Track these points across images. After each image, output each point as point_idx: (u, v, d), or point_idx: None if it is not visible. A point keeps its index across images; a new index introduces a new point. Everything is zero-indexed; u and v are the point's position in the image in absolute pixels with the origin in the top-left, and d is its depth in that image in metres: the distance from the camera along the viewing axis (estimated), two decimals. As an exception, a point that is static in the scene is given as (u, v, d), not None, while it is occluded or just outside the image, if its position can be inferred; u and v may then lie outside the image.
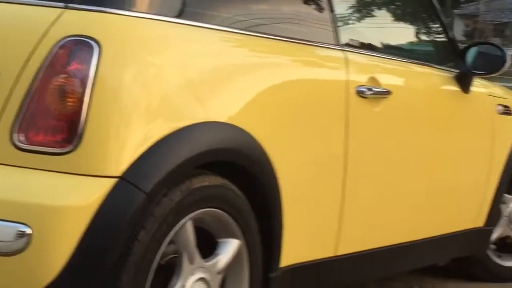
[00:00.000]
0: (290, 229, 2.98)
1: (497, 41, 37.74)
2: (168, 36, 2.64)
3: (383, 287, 4.29)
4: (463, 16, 44.66)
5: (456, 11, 44.43)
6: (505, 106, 4.46)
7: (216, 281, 2.71)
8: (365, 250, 3.51)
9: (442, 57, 4.17)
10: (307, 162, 3.08)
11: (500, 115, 4.39)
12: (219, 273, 2.71)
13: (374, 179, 3.48)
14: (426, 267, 4.36)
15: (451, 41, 4.16)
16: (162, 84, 2.53)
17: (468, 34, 39.81)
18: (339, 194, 3.26)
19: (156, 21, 2.60)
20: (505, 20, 41.71)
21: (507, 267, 4.64)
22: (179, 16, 2.72)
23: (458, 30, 42.59)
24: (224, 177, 2.72)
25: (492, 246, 4.62)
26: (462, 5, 44.49)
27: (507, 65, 4.07)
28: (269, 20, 3.16)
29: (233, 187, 2.74)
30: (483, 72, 4.15)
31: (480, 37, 37.00)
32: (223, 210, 2.70)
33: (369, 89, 3.36)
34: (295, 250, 3.07)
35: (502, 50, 4.11)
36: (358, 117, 3.31)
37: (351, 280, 3.63)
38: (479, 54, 4.16)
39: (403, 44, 4.00)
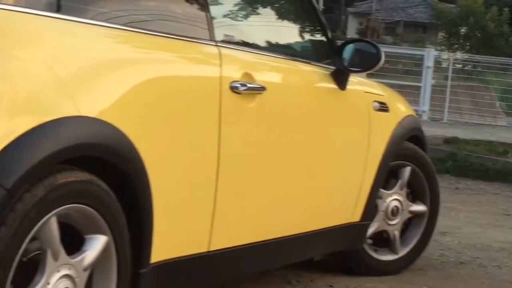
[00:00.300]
0: (160, 225, 2.98)
1: (388, 39, 38.49)
2: (40, 30, 2.61)
3: (260, 282, 4.32)
4: (356, 14, 45.44)
5: (350, 9, 45.17)
6: (382, 103, 4.53)
7: (82, 278, 2.68)
8: (240, 245, 3.53)
9: (319, 54, 4.21)
10: (179, 158, 3.08)
11: (376, 112, 4.46)
12: (85, 269, 2.68)
13: (248, 174, 3.50)
14: (303, 262, 4.40)
15: (328, 39, 4.21)
16: (28, 78, 2.49)
17: (362, 32, 40.49)
18: (212, 190, 3.26)
19: (27, 14, 2.58)
20: (397, 18, 42.58)
21: (383, 261, 4.72)
22: (55, 10, 2.70)
23: (352, 28, 43.28)
24: (92, 172, 2.69)
25: (369, 241, 4.70)
26: (356, 3, 45.25)
27: (382, 62, 4.15)
28: (142, 16, 3.14)
29: (101, 182, 2.72)
30: (359, 69, 4.21)
31: (372, 35, 37.69)
32: (89, 206, 2.67)
33: (243, 85, 3.37)
34: (166, 246, 3.06)
35: (377, 48, 4.19)
36: (231, 112, 3.32)
37: (225, 275, 3.64)
38: (355, 52, 4.22)
39: (279, 41, 4.02)
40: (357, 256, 4.57)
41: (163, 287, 3.12)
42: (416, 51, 19.20)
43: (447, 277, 4.81)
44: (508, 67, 18.74)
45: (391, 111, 4.61)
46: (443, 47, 32.93)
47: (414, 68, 18.46)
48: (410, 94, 18.22)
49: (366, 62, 4.19)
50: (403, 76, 18.64)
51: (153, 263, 3.00)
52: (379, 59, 4.15)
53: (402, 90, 18.10)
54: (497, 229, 6.43)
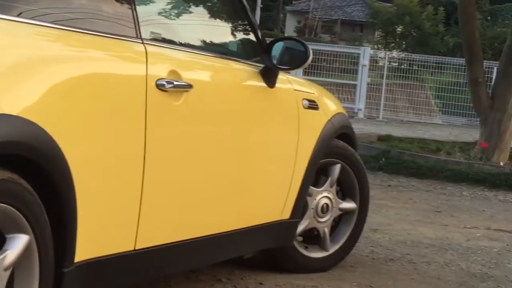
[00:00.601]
0: (85, 224, 2.96)
1: (326, 37, 38.73)
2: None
3: (190, 280, 4.31)
4: (294, 13, 45.63)
5: (288, 7, 45.34)
6: (311, 101, 4.56)
7: (3, 277, 2.65)
8: (168, 244, 3.51)
9: (248, 52, 4.22)
10: (104, 156, 3.06)
11: (305, 110, 4.47)
12: (6, 269, 2.65)
13: (175, 172, 3.49)
14: (233, 260, 4.41)
15: (257, 36, 4.21)
16: None
17: (300, 31, 40.69)
18: (137, 189, 3.24)
19: None
20: (335, 17, 42.85)
21: (313, 258, 4.75)
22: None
23: (290, 27, 43.45)
24: (13, 171, 2.66)
25: (299, 238, 4.73)
26: (294, 2, 45.47)
27: (310, 60, 4.18)
28: (68, 14, 3.10)
29: (22, 181, 2.69)
30: (288, 67, 4.23)
31: (310, 33, 37.90)
32: (10, 205, 2.65)
33: (169, 83, 3.36)
34: (91, 245, 3.04)
35: (305, 46, 4.21)
36: (157, 110, 3.31)
37: (154, 274, 3.62)
38: (284, 50, 4.23)
39: (207, 39, 4.01)
40: (287, 253, 4.59)
41: (88, 287, 3.10)
42: (352, 50, 19.37)
43: (376, 274, 4.86)
44: (443, 65, 19.00)
45: (321, 109, 4.64)
46: (379, 45, 33.26)
47: (351, 66, 18.62)
48: (347, 92, 18.40)
49: (295, 60, 4.21)
50: (340, 74, 18.79)
51: (77, 262, 2.97)
52: (307, 57, 4.17)
53: (339, 88, 18.30)
54: (427, 226, 6.52)
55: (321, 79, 17.63)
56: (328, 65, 18.98)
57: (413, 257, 5.36)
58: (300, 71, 17.01)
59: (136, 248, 3.31)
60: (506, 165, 9.78)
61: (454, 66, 18.54)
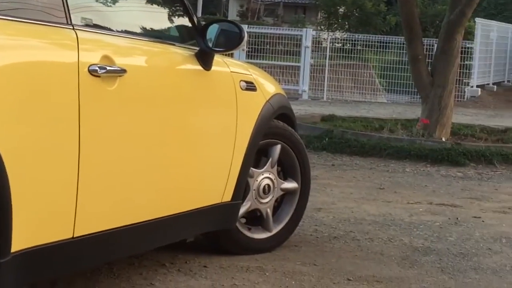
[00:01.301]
0: (20, 213, 2.93)
1: (269, 20, 38.69)
2: None
3: (133, 266, 4.30)
4: (237, -3, 45.39)
5: (230, -9, 45.16)
6: (249, 82, 4.56)
7: None
8: (107, 230, 3.49)
9: (183, 35, 4.20)
10: (38, 144, 3.03)
11: (243, 91, 4.48)
12: None
13: (112, 158, 3.47)
14: (177, 244, 4.41)
15: (192, 19, 4.19)
16: None
17: (243, 14, 40.60)
18: (73, 176, 3.22)
19: None
20: (277, 0, 42.80)
21: (257, 239, 4.76)
22: None
23: (233, 10, 43.36)
24: None
25: (242, 220, 4.74)
26: (236, -14, 45.27)
27: (244, 42, 4.18)
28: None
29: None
30: (223, 49, 4.23)
31: (253, 17, 37.84)
32: None
33: (102, 68, 3.33)
34: (27, 234, 3.01)
35: (239, 27, 4.21)
36: (91, 96, 3.28)
37: (94, 261, 3.61)
38: (220, 32, 4.22)
39: (141, 23, 3.97)
40: (231, 235, 4.60)
41: (26, 276, 3.07)
42: (295, 32, 19.37)
43: (320, 252, 4.89)
44: (386, 44, 19.10)
45: (259, 90, 4.65)
46: (322, 27, 33.33)
47: (294, 48, 18.64)
48: (291, 74, 18.44)
49: (230, 42, 4.21)
50: (283, 56, 18.81)
51: (14, 252, 2.95)
52: (242, 38, 4.17)
53: (283, 70, 18.33)
54: (370, 203, 6.57)
55: (265, 62, 17.65)
56: (272, 47, 18.96)
57: (356, 234, 5.41)
58: (243, 54, 17.05)
59: (75, 236, 3.29)
60: (448, 140, 9.88)
61: (397, 45, 18.63)
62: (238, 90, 4.43)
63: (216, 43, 4.18)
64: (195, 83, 4.09)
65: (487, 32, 18.61)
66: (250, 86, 4.56)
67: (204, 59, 4.13)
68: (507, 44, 20.78)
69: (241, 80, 4.49)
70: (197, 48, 4.14)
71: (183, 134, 3.97)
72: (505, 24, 21.49)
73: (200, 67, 4.11)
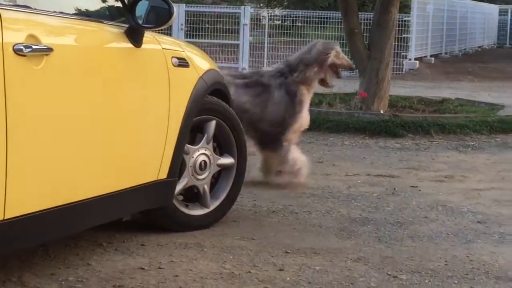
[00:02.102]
0: None
1: (208, -1, 38.48)
2: None
3: (70, 247, 4.26)
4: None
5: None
6: (181, 59, 4.53)
7: None
8: (39, 211, 3.46)
9: (111, 13, 4.16)
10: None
11: (176, 68, 4.45)
12: None
13: (42, 138, 3.43)
14: (114, 223, 4.38)
15: (120, -4, 4.16)
16: None
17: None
18: (2, 157, 3.18)
19: None
20: (216, -22, 42.63)
21: (194, 216, 4.76)
22: None
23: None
24: None
25: (179, 197, 4.73)
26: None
27: (173, 18, 4.15)
28: None
29: None
30: (152, 26, 4.20)
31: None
32: None
33: (28, 47, 3.30)
34: (-44, 217, 2.97)
35: (168, 3, 4.18)
36: (17, 75, 3.25)
37: (28, 242, 3.56)
38: (150, 8, 4.20)
39: (69, 2, 3.92)
40: (168, 213, 4.59)
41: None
42: (233, 10, 19.34)
43: (259, 226, 4.91)
44: (326, 20, 19.15)
45: (192, 67, 4.63)
46: (261, 4, 33.30)
47: (233, 26, 18.61)
48: (231, 52, 18.40)
49: (159, 18, 4.19)
50: (223, 35, 18.75)
51: None
52: (171, 14, 4.15)
53: (223, 49, 18.29)
54: (310, 177, 6.57)
55: (204, 40, 17.58)
56: (211, 26, 18.90)
57: (295, 208, 5.43)
58: (182, 33, 16.96)
59: (6, 217, 3.25)
60: (386, 112, 9.96)
61: (336, 20, 18.67)
62: (170, 66, 4.41)
63: (146, 20, 4.16)
64: (125, 60, 4.06)
65: (424, 5, 18.75)
66: (183, 63, 4.54)
67: (134, 36, 4.10)
68: (443, 17, 20.98)
69: (173, 57, 4.46)
70: (127, 25, 4.10)
71: (114, 112, 3.93)
72: (442, -4, 21.68)
73: (130, 44, 4.07)
